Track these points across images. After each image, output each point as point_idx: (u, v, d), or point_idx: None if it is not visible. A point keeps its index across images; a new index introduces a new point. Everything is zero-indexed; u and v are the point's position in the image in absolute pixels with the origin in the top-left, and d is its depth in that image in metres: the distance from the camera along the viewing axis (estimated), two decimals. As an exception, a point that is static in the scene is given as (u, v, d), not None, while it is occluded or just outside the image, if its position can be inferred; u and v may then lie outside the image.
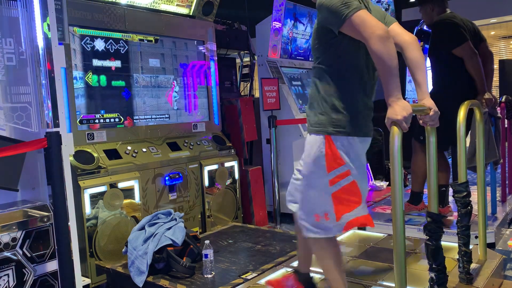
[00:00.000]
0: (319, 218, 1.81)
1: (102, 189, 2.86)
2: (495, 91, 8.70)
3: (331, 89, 1.80)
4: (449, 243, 2.69)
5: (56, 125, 2.10)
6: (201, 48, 3.86)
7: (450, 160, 3.77)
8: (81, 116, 3.01)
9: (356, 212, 1.79)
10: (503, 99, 4.07)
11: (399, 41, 1.86)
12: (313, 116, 1.84)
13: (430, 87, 3.16)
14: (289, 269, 2.60)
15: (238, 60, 5.33)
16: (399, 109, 1.60)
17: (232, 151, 3.93)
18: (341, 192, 1.76)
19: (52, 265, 2.16)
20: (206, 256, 2.57)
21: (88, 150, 2.96)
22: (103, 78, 3.15)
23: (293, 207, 2.07)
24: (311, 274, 2.25)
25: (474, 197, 2.41)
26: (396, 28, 1.90)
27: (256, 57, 4.76)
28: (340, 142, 1.76)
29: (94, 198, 2.82)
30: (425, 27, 5.03)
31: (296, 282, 2.23)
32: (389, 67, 1.60)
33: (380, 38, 1.58)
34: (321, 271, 2.55)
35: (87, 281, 2.69)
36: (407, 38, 1.86)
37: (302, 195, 1.89)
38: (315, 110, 1.83)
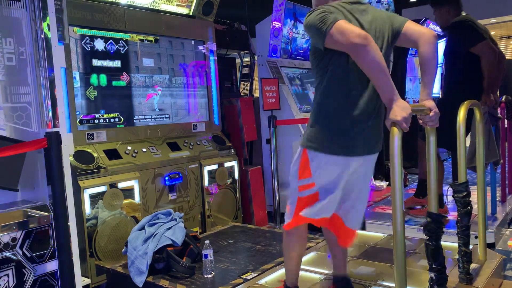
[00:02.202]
0: (289, 209, 2.03)
1: (102, 189, 2.86)
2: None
3: (319, 105, 1.86)
4: (449, 243, 2.70)
5: (56, 125, 2.10)
6: (201, 48, 3.86)
7: (450, 160, 3.77)
8: (81, 116, 3.01)
9: (311, 210, 1.93)
10: (503, 99, 4.07)
11: (416, 38, 1.81)
12: (306, 128, 1.97)
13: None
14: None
15: (238, 60, 5.33)
16: (398, 110, 1.61)
17: (232, 151, 3.93)
18: (306, 198, 1.92)
19: (52, 265, 2.16)
20: (206, 256, 2.57)
21: (88, 150, 2.96)
22: (103, 78, 3.15)
23: None
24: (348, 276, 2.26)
25: (474, 197, 2.41)
26: (411, 26, 1.85)
27: (256, 57, 4.75)
28: (311, 156, 1.86)
29: (94, 198, 2.82)
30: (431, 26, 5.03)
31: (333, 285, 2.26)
32: (376, 71, 1.61)
33: (359, 46, 1.58)
34: (321, 270, 2.56)
35: (87, 281, 2.68)
36: (424, 32, 1.81)
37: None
38: (309, 122, 1.95)
